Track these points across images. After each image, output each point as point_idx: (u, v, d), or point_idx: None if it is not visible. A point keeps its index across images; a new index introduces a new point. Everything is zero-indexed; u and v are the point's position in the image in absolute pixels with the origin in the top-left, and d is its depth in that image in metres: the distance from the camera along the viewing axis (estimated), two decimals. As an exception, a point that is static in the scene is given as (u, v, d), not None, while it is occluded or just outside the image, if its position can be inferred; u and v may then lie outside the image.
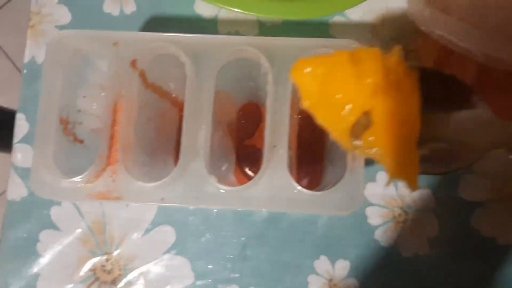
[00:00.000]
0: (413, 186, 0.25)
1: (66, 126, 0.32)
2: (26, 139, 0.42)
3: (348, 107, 0.23)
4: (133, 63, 0.31)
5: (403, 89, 0.24)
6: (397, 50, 0.25)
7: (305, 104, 0.25)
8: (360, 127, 0.25)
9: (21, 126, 0.42)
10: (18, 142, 0.42)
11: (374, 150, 0.25)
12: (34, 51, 0.43)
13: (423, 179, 0.39)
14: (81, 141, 0.34)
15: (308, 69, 0.24)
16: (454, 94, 0.25)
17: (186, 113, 0.30)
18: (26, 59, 0.43)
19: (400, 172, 0.25)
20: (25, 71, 0.43)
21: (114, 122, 0.31)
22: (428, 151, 0.26)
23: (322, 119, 0.25)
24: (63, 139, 0.32)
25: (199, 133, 0.30)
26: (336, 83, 0.24)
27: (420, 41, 0.39)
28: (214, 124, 0.31)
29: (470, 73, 0.37)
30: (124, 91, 0.31)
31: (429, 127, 0.25)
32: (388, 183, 0.26)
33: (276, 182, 0.30)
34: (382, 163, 0.26)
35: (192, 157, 0.30)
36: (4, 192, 1.00)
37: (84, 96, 0.34)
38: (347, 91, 0.24)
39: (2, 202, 0.42)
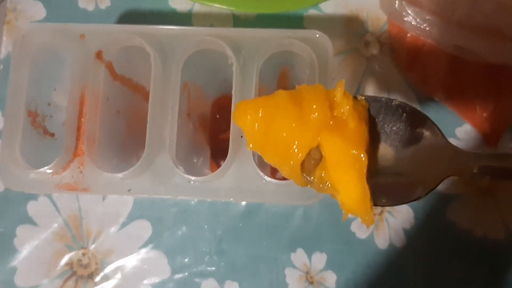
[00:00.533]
0: (368, 221, 0.25)
1: (35, 118, 0.32)
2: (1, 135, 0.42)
3: (294, 145, 0.23)
4: (98, 55, 0.31)
5: (350, 123, 0.23)
6: (341, 84, 0.24)
7: (250, 147, 0.24)
8: (312, 163, 0.25)
9: (-3, 121, 0.42)
10: (-5, 137, 0.42)
11: (326, 185, 0.24)
12: (10, 47, 0.43)
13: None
14: (52, 134, 0.34)
15: (249, 113, 0.24)
16: (408, 123, 0.25)
17: (151, 104, 0.30)
18: (2, 55, 0.43)
19: (353, 207, 0.25)
20: (0, 67, 0.43)
21: (81, 114, 0.31)
22: (382, 184, 0.25)
23: (270, 159, 0.24)
24: (32, 132, 0.32)
25: (165, 124, 0.30)
26: (280, 123, 0.24)
27: (392, 33, 0.39)
28: (182, 116, 0.31)
29: (442, 65, 0.37)
30: (90, 83, 0.31)
31: (382, 160, 0.25)
32: (344, 218, 0.26)
33: (243, 172, 0.30)
34: (336, 198, 0.26)
35: (158, 148, 0.30)
36: None
37: (54, 89, 0.34)
38: (291, 130, 0.23)
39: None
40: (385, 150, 0.25)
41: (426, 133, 0.24)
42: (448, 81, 0.37)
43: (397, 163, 0.25)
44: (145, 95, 0.38)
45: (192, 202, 0.40)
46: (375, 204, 0.25)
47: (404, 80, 0.40)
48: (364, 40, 0.40)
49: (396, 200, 0.25)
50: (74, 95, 0.30)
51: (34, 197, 0.41)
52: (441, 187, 0.38)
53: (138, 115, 0.38)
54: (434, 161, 0.24)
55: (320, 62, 0.29)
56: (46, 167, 0.29)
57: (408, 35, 0.38)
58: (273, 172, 0.36)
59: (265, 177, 0.29)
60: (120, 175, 0.29)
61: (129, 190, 0.30)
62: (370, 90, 0.40)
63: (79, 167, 0.30)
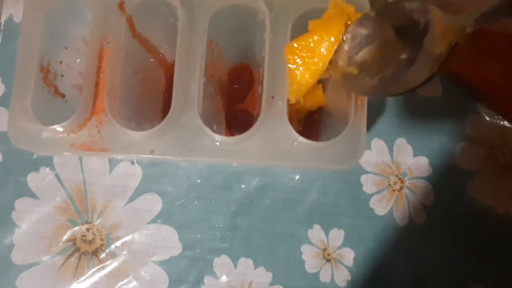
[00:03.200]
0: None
1: (47, 75, 0.30)
2: (1, 102, 0.39)
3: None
4: (121, 5, 0.29)
5: None
6: None
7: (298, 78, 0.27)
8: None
9: (-4, 87, 0.39)
10: (-7, 104, 0.39)
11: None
12: (11, 9, 0.41)
13: (420, 146, 0.38)
14: (63, 95, 0.31)
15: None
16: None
17: (178, 60, 0.28)
18: (3, 17, 0.41)
19: None
20: (1, 30, 0.40)
21: (99, 69, 0.29)
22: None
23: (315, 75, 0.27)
24: (43, 90, 0.29)
25: (191, 83, 0.28)
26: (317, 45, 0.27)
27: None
28: (207, 75, 0.30)
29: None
30: (111, 36, 0.29)
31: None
32: None
33: (274, 133, 0.28)
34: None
35: (184, 107, 0.28)
36: None
37: (66, 48, 0.32)
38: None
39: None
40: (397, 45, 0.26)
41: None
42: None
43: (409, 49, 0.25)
44: (160, 61, 0.36)
45: (205, 175, 0.38)
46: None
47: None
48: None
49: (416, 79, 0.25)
50: (93, 48, 0.28)
51: (35, 168, 0.38)
52: (461, 163, 0.37)
53: (152, 80, 0.36)
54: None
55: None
56: (60, 124, 0.27)
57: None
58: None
59: (299, 138, 0.27)
60: (144, 133, 0.27)
61: (152, 151, 0.28)
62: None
63: (96, 126, 0.28)
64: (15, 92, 0.28)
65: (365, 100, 0.28)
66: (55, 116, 0.30)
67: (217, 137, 0.28)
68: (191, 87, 0.28)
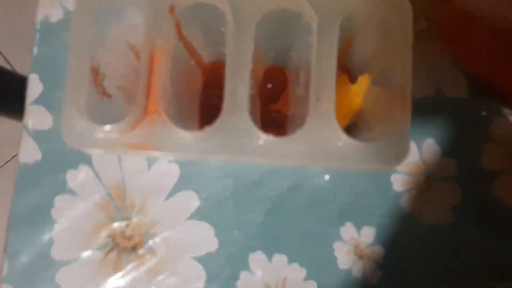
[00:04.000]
0: None
1: (97, 76, 0.31)
2: (40, 100, 0.40)
3: None
4: (172, 9, 0.30)
5: None
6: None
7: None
8: None
9: (34, 86, 0.40)
10: (32, 103, 0.40)
11: None
12: (47, 10, 0.41)
13: (448, 147, 0.39)
14: (110, 96, 0.32)
15: None
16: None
17: (228, 64, 0.29)
18: (39, 18, 0.41)
19: None
20: (38, 29, 0.41)
21: (150, 71, 0.30)
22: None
23: None
24: (93, 90, 0.30)
25: (239, 86, 0.29)
26: None
27: (444, 11, 0.39)
28: (251, 77, 0.31)
29: (494, 46, 0.37)
30: (161, 39, 0.30)
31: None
32: None
33: (319, 134, 0.29)
34: None
35: (233, 110, 0.29)
36: (13, 157, 0.98)
37: (111, 49, 0.33)
38: None
39: (13, 167, 0.40)
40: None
41: None
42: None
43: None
44: (198, 62, 0.37)
45: (239, 174, 0.39)
46: None
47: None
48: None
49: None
50: (146, 51, 0.29)
51: (73, 165, 0.39)
52: (488, 163, 0.38)
53: (191, 82, 0.37)
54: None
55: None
56: (116, 124, 0.28)
57: (459, 12, 0.38)
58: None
59: (345, 137, 0.28)
60: (196, 134, 0.28)
61: (201, 151, 0.29)
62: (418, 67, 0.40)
63: (149, 126, 0.29)
64: (69, 92, 0.29)
65: (409, 101, 0.29)
66: (104, 117, 0.31)
67: (264, 137, 0.29)
68: (239, 89, 0.29)
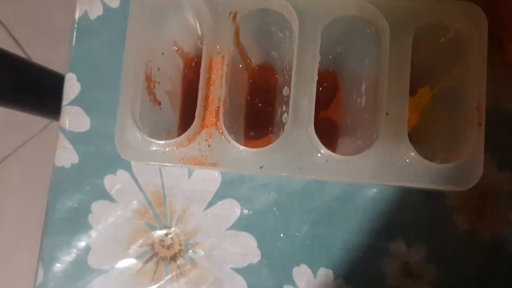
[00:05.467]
0: None
1: (150, 84, 0.29)
2: (77, 101, 0.38)
3: None
4: (234, 16, 0.28)
5: None
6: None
7: None
8: None
9: (72, 86, 0.39)
10: (68, 104, 0.38)
11: None
12: (86, 5, 0.39)
13: (504, 160, 0.37)
14: (159, 103, 0.31)
15: None
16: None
17: (295, 74, 0.27)
18: (78, 14, 0.39)
19: None
20: (76, 26, 0.39)
21: (208, 81, 0.28)
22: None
23: None
24: (147, 98, 0.28)
25: (302, 99, 0.28)
26: None
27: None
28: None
29: None
30: (220, 47, 0.28)
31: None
32: None
33: (387, 153, 0.27)
34: None
35: (296, 124, 0.27)
36: (28, 141, 0.96)
37: (162, 53, 0.31)
38: None
39: (49, 169, 0.38)
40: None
41: None
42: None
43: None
44: (247, 65, 0.35)
45: (284, 182, 0.37)
46: None
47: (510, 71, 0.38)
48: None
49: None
50: (205, 59, 0.27)
51: (112, 170, 0.38)
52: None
53: (241, 87, 0.35)
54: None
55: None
56: (173, 140, 0.26)
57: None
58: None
59: (413, 153, 0.26)
60: (255, 150, 0.26)
61: (261, 167, 0.27)
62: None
63: (206, 140, 0.27)
64: (124, 102, 0.27)
65: (483, 120, 0.27)
66: (153, 124, 0.30)
67: (328, 154, 0.27)
68: (302, 102, 0.27)
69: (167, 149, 0.27)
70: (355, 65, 0.33)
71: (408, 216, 0.37)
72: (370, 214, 0.37)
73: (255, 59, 0.36)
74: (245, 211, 0.37)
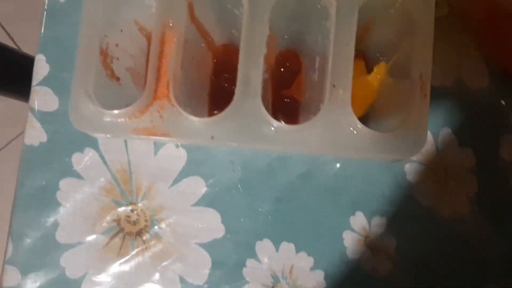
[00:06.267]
0: None
1: (105, 58, 0.29)
2: (46, 82, 0.39)
3: None
4: (185, -10, 0.28)
5: None
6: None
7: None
8: None
9: (41, 67, 0.39)
10: (38, 84, 0.39)
11: None
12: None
13: (465, 137, 0.38)
14: (118, 79, 0.31)
15: None
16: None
17: (242, 48, 0.28)
18: (47, -3, 0.40)
19: None
20: (46, 8, 0.40)
21: (160, 54, 0.28)
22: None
23: None
24: (102, 73, 0.29)
25: (252, 71, 0.28)
26: None
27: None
28: (265, 62, 0.29)
29: None
30: (173, 21, 0.29)
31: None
32: None
33: (334, 123, 0.28)
34: None
35: (245, 95, 0.28)
36: (19, 135, 0.98)
37: (121, 30, 0.31)
38: None
39: (18, 147, 0.39)
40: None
41: None
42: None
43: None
44: (209, 44, 0.36)
45: (248, 160, 0.38)
46: None
47: (475, 50, 0.38)
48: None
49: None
50: (157, 33, 0.28)
51: (79, 148, 0.39)
52: (505, 154, 0.37)
53: (203, 65, 0.36)
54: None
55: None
56: (123, 109, 0.27)
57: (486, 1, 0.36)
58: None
59: (360, 126, 0.27)
60: (206, 119, 0.27)
61: (212, 137, 0.28)
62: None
63: (158, 111, 0.28)
64: (77, 75, 0.28)
65: (428, 90, 0.28)
66: (112, 100, 0.30)
67: (276, 124, 0.28)
68: (252, 75, 0.28)
69: (120, 120, 0.28)
70: (311, 42, 0.34)
71: (369, 192, 0.38)
72: (331, 190, 0.38)
73: (217, 38, 0.37)
74: (210, 188, 0.38)
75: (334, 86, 0.28)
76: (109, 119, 0.28)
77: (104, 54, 0.29)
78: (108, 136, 0.28)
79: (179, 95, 0.28)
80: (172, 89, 0.27)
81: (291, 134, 0.28)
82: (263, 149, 0.37)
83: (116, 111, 0.27)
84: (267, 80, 0.34)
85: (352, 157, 0.36)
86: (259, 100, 0.28)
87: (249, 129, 0.28)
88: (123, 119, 0.28)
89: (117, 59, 0.31)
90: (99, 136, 0.34)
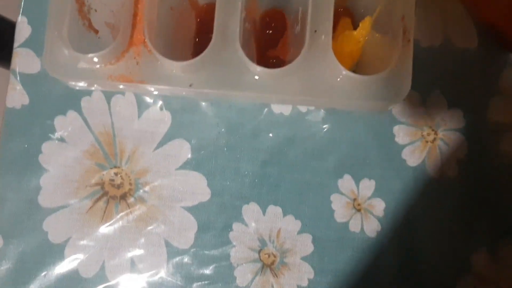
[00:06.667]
0: None
1: (82, 7, 0.29)
2: (28, 43, 0.38)
3: None
4: None
5: None
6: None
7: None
8: None
9: (22, 29, 0.39)
10: (19, 46, 0.39)
11: None
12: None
13: (454, 98, 0.37)
14: (96, 31, 0.31)
15: None
16: None
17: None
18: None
19: None
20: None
21: (137, 0, 0.28)
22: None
23: None
24: (78, 22, 0.29)
25: (231, 19, 0.28)
26: None
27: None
28: (244, 12, 0.29)
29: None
30: (150, -33, 0.28)
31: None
32: None
33: (317, 68, 0.27)
34: None
35: (224, 42, 0.27)
36: None
37: (100, -18, 0.31)
38: None
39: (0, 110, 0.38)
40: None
41: None
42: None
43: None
44: (193, 3, 0.35)
45: (234, 123, 0.38)
46: None
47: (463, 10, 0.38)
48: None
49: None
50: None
51: (62, 111, 0.38)
52: (495, 116, 0.36)
53: (184, 23, 0.35)
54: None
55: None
56: (98, 53, 0.26)
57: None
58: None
59: (344, 71, 0.26)
60: (183, 63, 0.26)
61: (190, 85, 0.27)
62: (424, 15, 0.38)
63: (135, 58, 0.27)
64: (51, 20, 0.27)
65: (411, 35, 0.27)
66: (89, 50, 0.30)
67: (258, 70, 0.27)
68: (230, 22, 0.27)
69: (96, 66, 0.27)
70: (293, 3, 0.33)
71: (357, 154, 0.37)
72: (318, 153, 0.37)
73: (202, -2, 0.36)
74: (195, 151, 0.37)
75: (315, 31, 0.27)
76: (85, 66, 0.27)
77: (80, 2, 0.29)
78: (84, 83, 0.27)
79: (157, 43, 0.28)
80: (147, 34, 0.27)
81: (272, 80, 0.27)
82: (247, 109, 0.37)
83: (90, 55, 0.26)
84: (250, 33, 0.33)
85: (336, 104, 0.35)
86: (237, 45, 0.27)
87: (229, 75, 0.27)
88: (98, 66, 0.27)
89: (95, 10, 0.30)
90: (75, 83, 0.33)
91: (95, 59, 0.27)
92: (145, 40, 0.27)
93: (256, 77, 0.27)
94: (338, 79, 0.27)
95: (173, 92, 0.30)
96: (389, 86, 0.27)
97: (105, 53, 0.26)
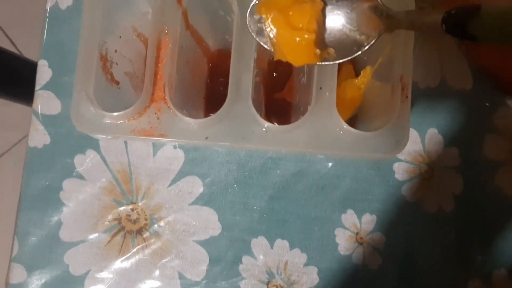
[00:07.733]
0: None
1: (105, 63, 0.31)
2: (48, 86, 0.41)
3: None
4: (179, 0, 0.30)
5: None
6: None
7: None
8: None
9: (43, 72, 0.41)
10: (40, 89, 0.41)
11: None
12: (57, -4, 0.42)
13: (451, 137, 0.39)
14: (117, 82, 0.33)
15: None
16: None
17: (234, 53, 0.29)
18: (49, 4, 0.42)
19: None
20: (47, 15, 0.42)
21: (157, 59, 0.30)
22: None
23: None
24: (102, 77, 0.31)
25: (244, 75, 0.30)
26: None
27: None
28: (256, 67, 0.31)
29: None
30: (168, 28, 0.30)
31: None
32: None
33: (321, 123, 0.30)
34: None
35: (237, 98, 0.30)
36: (23, 138, 1.00)
37: (120, 37, 0.33)
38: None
39: (22, 151, 0.41)
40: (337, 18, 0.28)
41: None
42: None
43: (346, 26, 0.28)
44: (204, 50, 0.38)
45: (243, 160, 0.40)
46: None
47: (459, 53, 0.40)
48: None
49: (345, 54, 0.28)
50: (153, 39, 0.30)
51: (81, 150, 0.40)
52: (489, 153, 0.38)
53: (198, 70, 0.38)
54: (371, 20, 0.27)
55: None
56: (123, 111, 0.29)
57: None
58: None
59: (345, 126, 0.29)
60: (200, 121, 0.29)
61: (206, 138, 0.30)
62: (422, 57, 0.40)
63: (155, 113, 0.30)
64: (78, 79, 0.29)
65: (409, 92, 0.29)
66: (112, 102, 0.32)
67: (267, 126, 0.29)
68: (243, 78, 0.30)
69: (119, 122, 0.30)
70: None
71: (359, 190, 0.39)
72: (323, 188, 0.40)
73: (212, 44, 0.39)
74: (207, 187, 0.40)
75: (320, 88, 0.30)
76: (109, 121, 0.30)
77: (104, 60, 0.31)
78: (108, 137, 0.30)
79: (175, 98, 0.30)
80: (168, 92, 0.29)
81: (281, 134, 0.30)
82: (255, 149, 0.39)
83: (115, 113, 0.29)
84: (259, 84, 0.36)
85: (338, 155, 0.38)
86: (249, 102, 0.29)
87: (241, 130, 0.30)
88: (122, 121, 0.30)
89: (116, 64, 0.33)
90: (100, 137, 0.35)
91: (120, 115, 0.29)
92: (165, 98, 0.29)
93: (265, 130, 0.29)
94: (341, 132, 0.29)
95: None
96: (388, 140, 0.29)
97: (128, 111, 0.29)
